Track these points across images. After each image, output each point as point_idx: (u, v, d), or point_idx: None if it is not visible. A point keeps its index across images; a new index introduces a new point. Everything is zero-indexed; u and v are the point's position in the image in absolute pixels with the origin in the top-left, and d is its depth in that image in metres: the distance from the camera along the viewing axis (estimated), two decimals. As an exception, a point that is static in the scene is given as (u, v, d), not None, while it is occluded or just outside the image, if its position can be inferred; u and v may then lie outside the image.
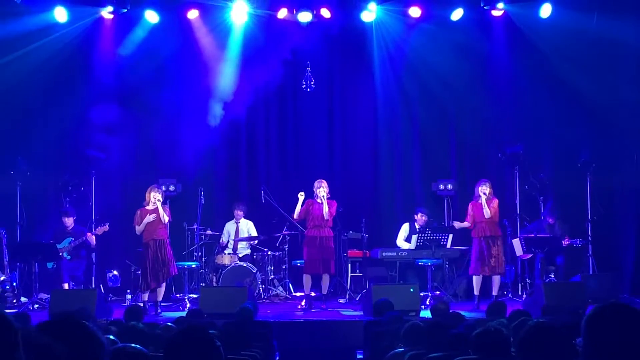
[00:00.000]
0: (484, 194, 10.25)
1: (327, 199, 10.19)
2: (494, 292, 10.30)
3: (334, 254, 10.42)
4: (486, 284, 10.49)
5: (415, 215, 11.56)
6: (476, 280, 10.34)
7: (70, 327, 2.06)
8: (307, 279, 10.31)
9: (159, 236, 9.92)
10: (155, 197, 9.90)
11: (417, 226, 11.46)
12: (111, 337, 3.93)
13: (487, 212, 10.18)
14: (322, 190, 10.18)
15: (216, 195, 12.25)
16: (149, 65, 11.71)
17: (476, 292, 10.32)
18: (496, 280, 10.31)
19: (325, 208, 10.12)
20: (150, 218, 9.83)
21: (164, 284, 10.05)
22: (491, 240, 10.24)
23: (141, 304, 9.54)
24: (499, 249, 10.29)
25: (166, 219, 9.94)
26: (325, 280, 10.31)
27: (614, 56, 11.42)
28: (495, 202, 10.34)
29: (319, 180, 10.37)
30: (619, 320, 2.28)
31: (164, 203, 10.20)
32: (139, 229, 9.93)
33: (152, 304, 9.93)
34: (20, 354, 1.75)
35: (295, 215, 10.38)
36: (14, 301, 10.60)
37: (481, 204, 10.23)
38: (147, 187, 10.16)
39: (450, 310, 6.91)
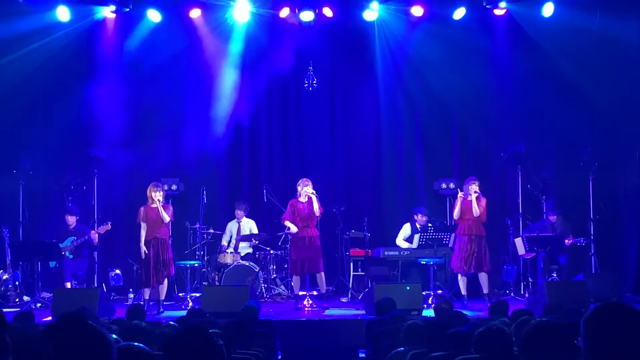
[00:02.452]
0: (475, 192, 10.22)
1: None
2: (485, 291, 10.16)
3: (321, 252, 10.29)
4: (476, 284, 10.42)
5: (415, 216, 11.55)
6: (462, 280, 10.29)
7: (77, 328, 2.05)
8: (296, 280, 10.26)
9: (161, 235, 9.92)
10: (156, 197, 9.90)
11: (418, 226, 11.46)
12: (114, 336, 3.93)
13: (476, 211, 10.13)
14: (310, 187, 10.14)
15: (219, 194, 12.24)
16: (151, 64, 11.73)
17: (463, 292, 10.24)
18: (483, 278, 10.17)
19: (316, 205, 10.07)
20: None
21: (166, 282, 10.05)
22: (477, 239, 10.19)
23: (142, 303, 9.54)
24: (484, 247, 10.22)
25: (167, 218, 9.91)
26: (321, 278, 10.23)
27: (616, 55, 11.39)
28: (484, 201, 10.29)
29: (304, 179, 10.32)
30: (617, 320, 2.27)
31: (166, 202, 10.17)
32: (144, 226, 9.94)
33: (155, 303, 9.93)
34: (6, 341, 1.75)
35: (288, 223, 10.27)
36: (17, 300, 10.65)
37: (470, 201, 10.20)
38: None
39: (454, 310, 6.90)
